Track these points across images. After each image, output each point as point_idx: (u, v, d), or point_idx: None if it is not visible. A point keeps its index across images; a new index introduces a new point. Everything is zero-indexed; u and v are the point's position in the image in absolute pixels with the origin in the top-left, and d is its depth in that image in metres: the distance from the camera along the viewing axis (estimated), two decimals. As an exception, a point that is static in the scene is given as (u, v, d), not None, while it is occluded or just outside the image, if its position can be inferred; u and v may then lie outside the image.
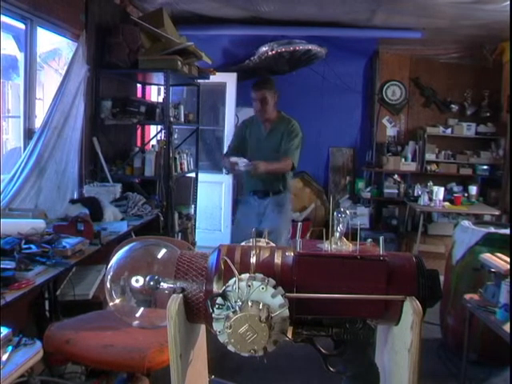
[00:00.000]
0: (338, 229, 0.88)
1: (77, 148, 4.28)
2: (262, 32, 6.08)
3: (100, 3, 4.63)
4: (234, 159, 3.92)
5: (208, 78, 5.78)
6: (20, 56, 3.87)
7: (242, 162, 3.87)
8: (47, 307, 3.47)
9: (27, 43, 3.81)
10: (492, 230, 3.78)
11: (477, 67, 6.92)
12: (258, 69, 6.30)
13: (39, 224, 3.16)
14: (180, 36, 5.19)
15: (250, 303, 0.79)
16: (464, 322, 3.16)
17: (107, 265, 0.98)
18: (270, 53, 6.24)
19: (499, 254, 3.09)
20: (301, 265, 0.85)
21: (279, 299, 0.80)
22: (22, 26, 3.78)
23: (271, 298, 0.80)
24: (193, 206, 6.02)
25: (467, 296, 3.10)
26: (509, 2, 4.59)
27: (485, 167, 6.86)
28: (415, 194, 6.62)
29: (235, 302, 0.79)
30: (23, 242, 2.85)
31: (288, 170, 4.13)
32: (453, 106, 7.08)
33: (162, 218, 4.71)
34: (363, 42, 6.63)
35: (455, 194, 6.47)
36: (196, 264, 0.87)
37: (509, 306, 2.68)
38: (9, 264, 2.55)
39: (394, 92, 7.12)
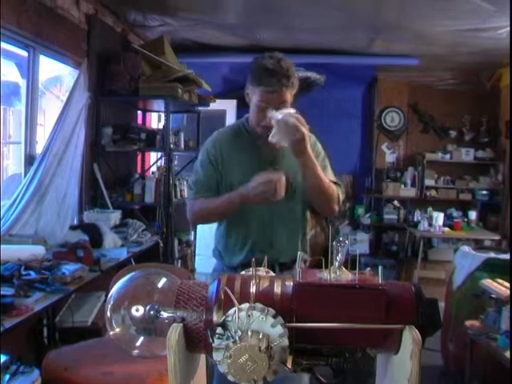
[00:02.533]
0: (337, 258, 0.89)
1: (77, 174, 4.30)
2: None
3: (102, 31, 4.69)
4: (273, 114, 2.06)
5: (208, 106, 5.83)
6: (22, 83, 3.91)
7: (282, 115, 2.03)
8: (45, 334, 3.45)
9: (29, 70, 3.86)
10: (492, 255, 3.78)
11: (474, 93, 6.98)
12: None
13: (39, 250, 3.16)
14: (180, 63, 5.25)
15: (249, 333, 0.79)
16: (465, 348, 3.14)
17: (106, 291, 0.99)
18: (269, 80, 6.29)
19: (500, 280, 3.08)
20: (300, 294, 0.85)
21: (279, 329, 0.80)
22: (24, 53, 3.83)
23: (271, 328, 0.80)
24: (192, 232, 6.02)
25: (468, 323, 3.08)
26: (504, 30, 4.67)
27: (484, 192, 6.87)
28: (415, 220, 6.62)
29: (235, 331, 0.79)
30: (23, 268, 2.85)
31: (335, 208, 2.27)
32: (451, 131, 7.12)
33: (161, 245, 4.71)
34: (362, 69, 6.69)
35: (455, 220, 6.48)
36: (196, 293, 0.88)
37: (509, 333, 2.67)
38: (8, 290, 2.55)
39: (392, 118, 7.17)
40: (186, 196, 5.60)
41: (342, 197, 2.27)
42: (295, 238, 2.28)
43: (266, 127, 2.12)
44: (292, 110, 2.07)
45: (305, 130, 2.00)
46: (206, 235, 6.32)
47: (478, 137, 7.04)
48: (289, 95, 2.13)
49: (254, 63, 2.15)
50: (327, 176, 2.23)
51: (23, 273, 2.81)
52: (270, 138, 2.03)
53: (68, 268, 2.99)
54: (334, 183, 2.25)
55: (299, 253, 0.93)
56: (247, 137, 2.31)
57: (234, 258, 2.28)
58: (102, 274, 3.27)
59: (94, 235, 3.82)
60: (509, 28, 4.55)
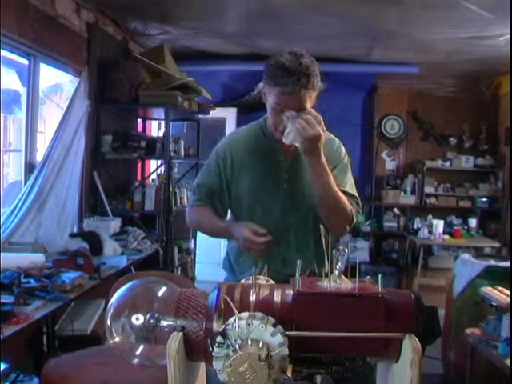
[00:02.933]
0: (337, 266, 0.89)
1: (77, 182, 4.30)
2: (262, 67, 6.12)
3: (102, 40, 4.70)
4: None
5: (208, 114, 5.83)
6: (23, 91, 3.92)
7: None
8: (45, 342, 3.44)
9: (30, 78, 3.87)
10: (492, 262, 3.77)
11: (474, 101, 7.00)
12: (257, 104, 6.35)
13: (39, 258, 3.16)
14: (180, 71, 5.26)
15: (249, 342, 0.79)
16: (466, 356, 3.13)
17: (106, 299, 0.99)
18: (269, 88, 6.31)
19: (500, 288, 3.07)
20: (300, 303, 0.85)
21: (279, 338, 0.80)
22: (25, 61, 3.84)
23: (271, 337, 0.80)
24: (192, 240, 6.01)
25: (469, 330, 3.08)
26: (503, 38, 4.69)
27: (484, 199, 6.87)
28: (415, 227, 6.61)
29: (235, 340, 0.79)
30: (22, 276, 2.85)
31: (346, 228, 2.03)
32: (451, 139, 7.13)
33: (161, 253, 4.70)
34: (361, 77, 6.70)
35: (455, 227, 6.48)
36: (196, 302, 0.88)
37: (510, 341, 2.66)
38: (8, 298, 2.55)
39: (392, 126, 7.18)
40: (186, 203, 5.60)
41: (355, 216, 2.01)
42: (310, 253, 1.96)
43: (283, 132, 1.90)
44: (311, 109, 1.88)
45: (320, 129, 1.83)
46: (206, 243, 6.33)
47: (477, 144, 7.05)
48: (308, 98, 1.87)
49: (270, 60, 1.90)
50: (343, 186, 2.00)
51: (23, 281, 2.81)
52: (283, 139, 1.87)
53: (68, 276, 2.99)
54: (351, 196, 2.02)
55: (298, 262, 0.93)
56: (263, 141, 2.07)
57: (246, 274, 1.81)
58: (101, 281, 3.26)
59: (94, 243, 3.82)
60: (507, 36, 4.56)
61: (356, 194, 2.08)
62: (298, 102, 1.86)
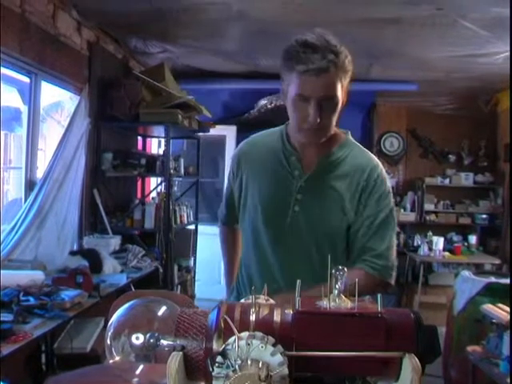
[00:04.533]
0: (337, 286, 0.89)
1: (77, 200, 4.31)
2: (261, 86, 6.20)
3: (103, 58, 4.74)
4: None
5: (208, 131, 5.86)
6: (23, 108, 3.94)
7: None
8: (44, 360, 3.43)
9: (31, 96, 3.90)
10: (493, 279, 3.77)
11: (472, 118, 7.03)
12: (257, 122, 6.39)
13: (38, 276, 3.16)
14: (181, 90, 5.30)
15: (249, 362, 0.79)
16: (467, 374, 3.11)
17: (106, 317, 0.99)
18: (269, 106, 6.36)
19: (500, 305, 3.06)
20: (300, 322, 0.85)
21: (278, 357, 0.80)
22: (26, 79, 3.87)
23: (271, 357, 0.80)
24: (192, 258, 6.00)
25: (470, 348, 3.06)
26: (501, 55, 4.73)
27: (484, 216, 6.87)
28: (415, 245, 6.61)
29: (235, 360, 0.79)
30: (22, 293, 2.84)
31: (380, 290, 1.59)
32: (450, 156, 7.15)
33: (161, 271, 4.69)
34: (361, 95, 6.71)
35: (455, 244, 6.47)
36: (196, 322, 0.88)
37: (510, 358, 2.65)
38: (7, 316, 2.54)
39: (391, 143, 7.20)
40: (185, 221, 5.61)
41: (381, 275, 1.63)
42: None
43: (309, 132, 1.59)
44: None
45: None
46: (205, 261, 6.32)
47: (476, 161, 7.07)
48: (339, 82, 1.54)
49: (288, 45, 1.58)
50: (376, 240, 1.63)
51: (22, 298, 2.80)
52: None
53: (67, 294, 2.98)
54: (378, 256, 1.62)
55: (298, 281, 0.94)
56: (279, 149, 1.74)
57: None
58: (101, 299, 3.26)
59: (94, 261, 3.81)
60: (505, 54, 4.61)
61: (386, 239, 1.65)
62: (326, 85, 1.51)
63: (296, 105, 1.56)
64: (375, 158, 1.76)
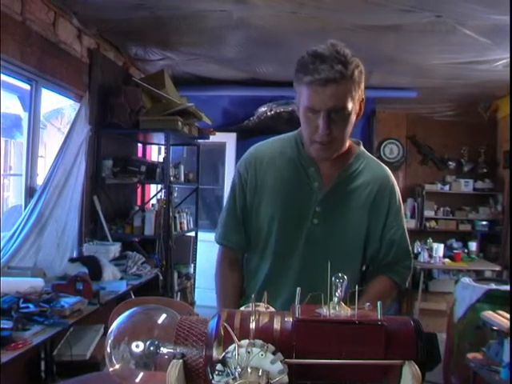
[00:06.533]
0: (337, 293, 0.89)
1: (77, 206, 4.31)
2: (261, 93, 6.23)
3: (103, 65, 4.75)
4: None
5: (208, 138, 5.87)
6: (24, 115, 3.95)
7: None
8: (43, 368, 3.42)
9: (32, 103, 3.90)
10: (493, 286, 3.76)
11: (472, 124, 7.03)
12: (257, 129, 6.40)
13: (38, 283, 3.15)
14: (181, 97, 5.31)
15: (249, 370, 0.79)
16: (468, 381, 3.11)
17: (105, 325, 0.99)
18: (268, 113, 6.37)
19: (501, 312, 3.06)
20: (300, 330, 0.85)
21: (278, 365, 0.80)
22: (27, 86, 3.88)
23: (270, 365, 0.80)
24: (192, 265, 5.99)
25: (470, 355, 3.06)
26: (500, 62, 4.74)
27: (484, 223, 6.87)
28: (415, 251, 6.59)
29: (235, 368, 0.79)
30: (21, 300, 2.84)
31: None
32: (450, 162, 7.16)
33: (161, 278, 4.69)
34: (360, 102, 6.77)
35: (455, 251, 6.46)
36: (196, 329, 0.88)
37: (510, 365, 2.64)
38: (6, 323, 2.54)
39: (391, 150, 7.21)
40: (185, 228, 5.60)
41: (404, 283, 1.75)
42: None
43: (321, 146, 1.56)
44: None
45: None
46: (205, 268, 6.31)
47: (476, 168, 7.08)
48: (349, 93, 1.49)
49: (300, 57, 1.57)
50: (394, 237, 1.71)
51: (22, 305, 2.79)
52: None
53: (67, 301, 2.97)
54: (403, 256, 1.75)
55: (298, 288, 0.93)
56: (297, 158, 1.68)
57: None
58: (101, 306, 3.25)
59: (94, 268, 3.81)
60: (504, 60, 4.62)
61: (409, 249, 1.77)
62: (335, 95, 1.47)
63: (306, 117, 1.55)
64: (387, 168, 1.78)
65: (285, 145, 1.74)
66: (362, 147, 1.79)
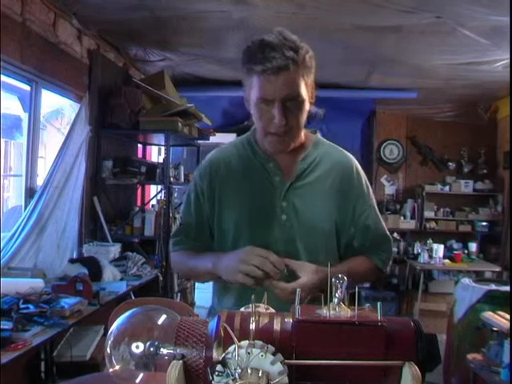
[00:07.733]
0: (337, 294, 0.89)
1: (77, 207, 4.30)
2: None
3: (103, 66, 4.75)
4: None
5: (208, 139, 5.87)
6: (24, 116, 3.95)
7: None
8: (43, 369, 3.42)
9: (32, 104, 3.90)
10: (493, 287, 3.76)
11: (472, 125, 7.05)
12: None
13: (38, 283, 3.15)
14: (181, 97, 5.31)
15: (249, 370, 0.79)
16: (468, 382, 3.10)
17: (105, 325, 0.99)
18: (268, 113, 6.36)
19: (501, 313, 3.06)
20: (300, 331, 0.85)
21: (278, 366, 0.80)
22: (27, 87, 3.88)
23: (270, 365, 0.80)
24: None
25: (470, 356, 3.05)
26: (500, 63, 4.74)
27: (484, 223, 6.87)
28: (415, 252, 6.60)
29: (235, 369, 0.79)
30: (21, 301, 2.83)
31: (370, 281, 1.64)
32: (450, 163, 7.17)
33: (161, 278, 4.68)
34: (360, 103, 6.77)
35: (455, 251, 6.46)
36: (196, 330, 0.88)
37: (510, 366, 2.64)
38: (6, 324, 2.53)
39: (391, 151, 7.21)
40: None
41: (385, 267, 1.67)
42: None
43: (277, 138, 1.51)
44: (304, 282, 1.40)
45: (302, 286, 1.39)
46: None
47: (476, 168, 7.09)
48: (302, 79, 1.44)
49: (245, 47, 1.54)
50: (368, 218, 1.65)
51: (22, 306, 2.79)
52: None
53: (67, 301, 2.97)
54: (381, 240, 1.68)
55: (298, 290, 0.93)
56: (252, 158, 1.63)
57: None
58: (101, 307, 3.25)
59: (94, 268, 3.80)
60: (504, 61, 4.63)
61: (386, 233, 1.70)
62: (288, 83, 1.42)
63: (259, 109, 1.49)
64: (351, 158, 1.72)
65: (239, 146, 1.69)
66: (319, 135, 1.74)
